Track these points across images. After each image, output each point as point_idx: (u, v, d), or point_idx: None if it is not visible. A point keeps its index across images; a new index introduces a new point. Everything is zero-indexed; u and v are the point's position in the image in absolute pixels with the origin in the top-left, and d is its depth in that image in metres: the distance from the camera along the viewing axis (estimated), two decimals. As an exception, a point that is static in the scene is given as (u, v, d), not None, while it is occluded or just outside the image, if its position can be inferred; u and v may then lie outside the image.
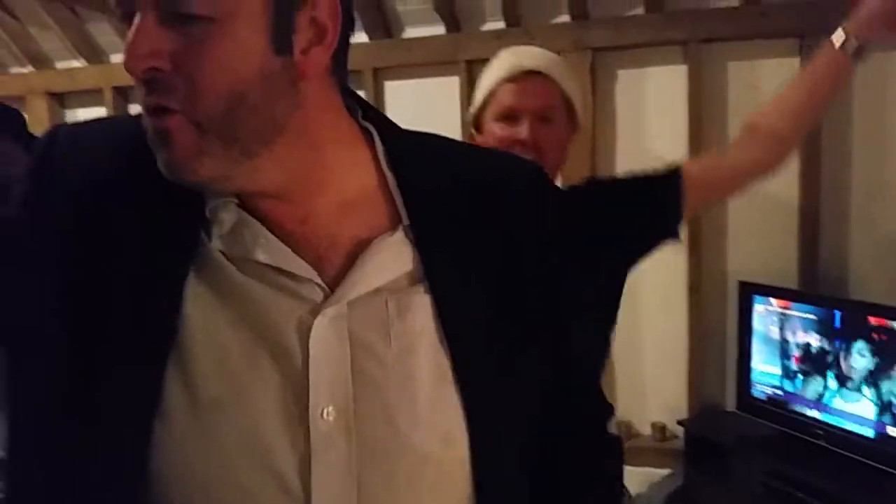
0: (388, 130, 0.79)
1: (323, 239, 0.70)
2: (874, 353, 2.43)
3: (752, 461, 2.77)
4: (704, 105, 3.02)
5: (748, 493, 2.73)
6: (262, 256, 0.67)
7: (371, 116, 0.80)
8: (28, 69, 4.03)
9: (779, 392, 2.78)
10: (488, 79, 1.41)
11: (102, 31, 3.72)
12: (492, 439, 0.68)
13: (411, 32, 3.39)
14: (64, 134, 0.72)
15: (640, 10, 3.05)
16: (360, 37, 3.42)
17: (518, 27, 3.21)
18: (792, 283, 2.96)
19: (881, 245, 2.91)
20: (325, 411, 0.65)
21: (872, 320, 2.44)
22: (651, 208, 1.43)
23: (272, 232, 0.69)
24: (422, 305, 0.70)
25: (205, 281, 0.66)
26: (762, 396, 2.84)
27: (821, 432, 2.60)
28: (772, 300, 2.80)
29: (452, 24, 3.27)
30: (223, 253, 0.68)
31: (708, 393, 3.18)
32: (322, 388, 0.65)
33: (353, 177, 0.73)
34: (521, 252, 0.74)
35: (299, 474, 0.63)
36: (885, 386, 2.40)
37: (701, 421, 3.12)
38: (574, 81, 1.43)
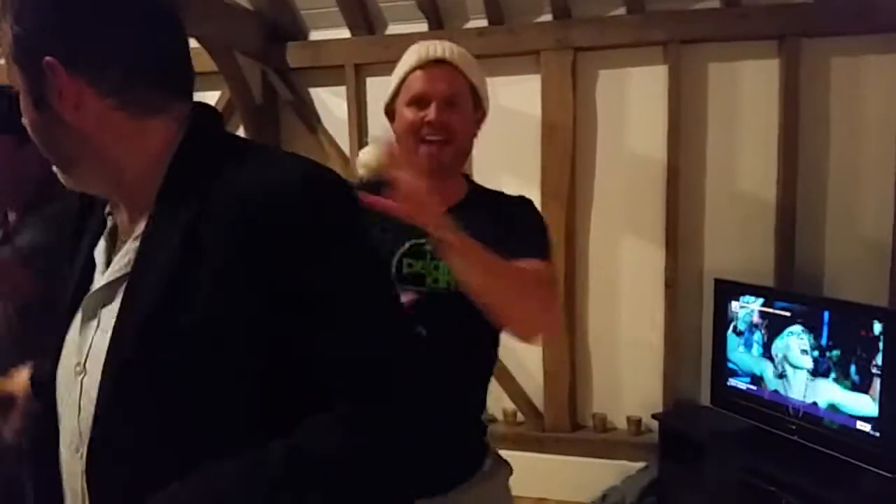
0: (192, 142, 0.91)
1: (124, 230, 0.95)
2: (847, 350, 2.50)
3: (726, 455, 2.83)
4: (684, 105, 3.07)
5: (722, 486, 2.80)
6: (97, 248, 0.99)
7: (193, 128, 0.92)
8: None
9: (752, 387, 2.84)
10: (400, 69, 1.48)
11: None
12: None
13: (394, 29, 3.39)
14: None
15: (621, 11, 3.08)
16: (341, 32, 3.42)
17: (501, 25, 3.22)
18: (768, 281, 3.03)
19: (856, 244, 2.98)
20: None
21: (851, 320, 2.51)
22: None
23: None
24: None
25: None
26: (736, 391, 2.91)
27: (794, 427, 2.67)
28: (747, 298, 2.86)
29: (435, 21, 3.29)
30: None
31: (683, 388, 3.24)
32: None
33: (144, 183, 0.90)
34: (226, 267, 0.83)
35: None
36: (859, 383, 2.47)
37: (676, 415, 3.19)
38: (478, 71, 1.49)
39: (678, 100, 3.06)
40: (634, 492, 3.14)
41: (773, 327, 2.75)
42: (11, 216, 1.82)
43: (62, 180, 0.94)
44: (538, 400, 3.43)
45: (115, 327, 0.86)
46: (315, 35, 3.49)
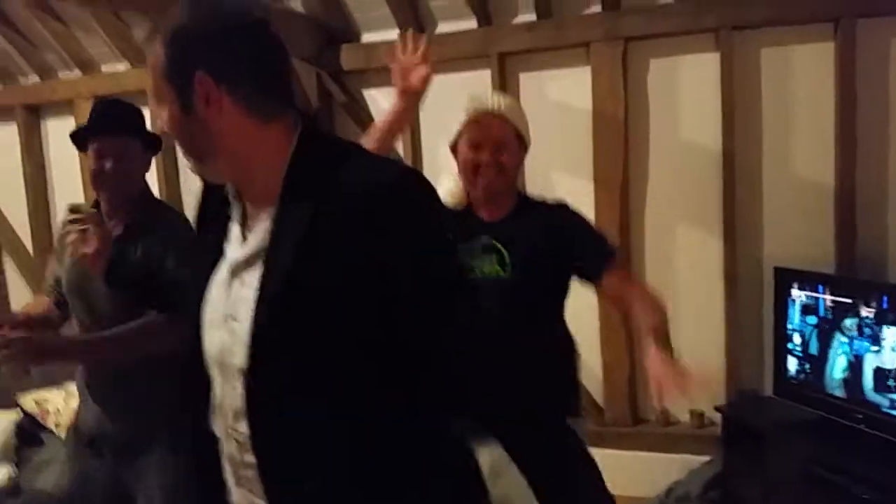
0: (305, 145, 1.16)
1: (253, 213, 1.20)
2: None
3: (791, 446, 2.78)
4: (737, 92, 3.02)
5: (788, 477, 2.74)
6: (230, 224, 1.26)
7: (306, 133, 1.17)
8: (76, 73, 4.18)
9: (817, 377, 2.78)
10: (463, 117, 1.93)
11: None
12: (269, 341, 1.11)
13: (443, 28, 3.44)
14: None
15: (671, -1, 3.06)
16: (393, 33, 3.47)
17: (549, 19, 3.23)
18: (828, 268, 2.96)
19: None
20: None
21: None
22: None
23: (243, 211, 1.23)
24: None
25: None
26: (799, 381, 2.85)
27: (860, 416, 2.60)
28: (808, 285, 2.80)
29: (484, 17, 3.32)
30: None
31: (746, 379, 3.18)
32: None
33: (268, 176, 1.15)
34: (350, 244, 1.07)
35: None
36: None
37: (739, 406, 3.13)
38: (522, 116, 1.94)
39: (731, 87, 3.02)
40: (699, 485, 3.09)
41: (836, 315, 2.68)
42: (116, 228, 2.04)
43: (194, 170, 1.21)
44: (597, 394, 3.42)
45: (261, 283, 1.12)
46: (367, 37, 3.56)
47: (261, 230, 1.15)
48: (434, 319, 1.11)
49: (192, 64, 1.09)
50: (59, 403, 3.47)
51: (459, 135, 1.93)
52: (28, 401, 3.47)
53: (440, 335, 1.12)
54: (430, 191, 1.13)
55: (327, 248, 1.07)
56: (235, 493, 1.22)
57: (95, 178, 2.04)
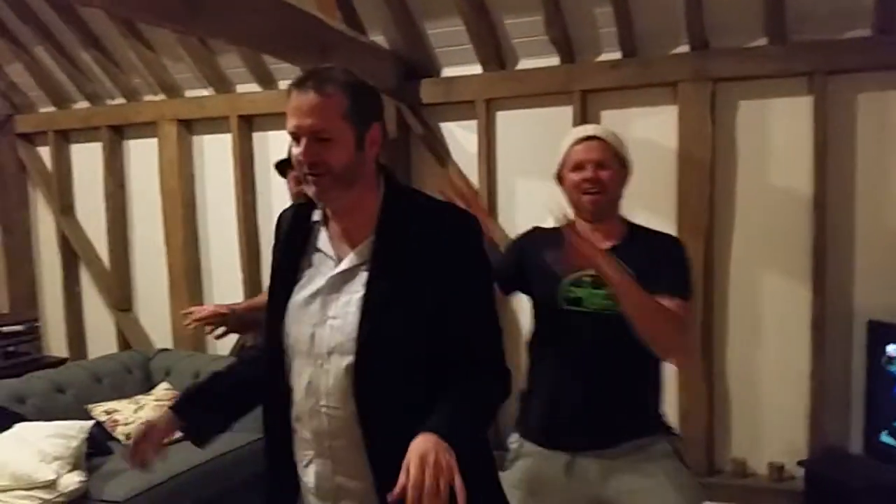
0: (392, 187, 1.52)
1: (346, 239, 1.51)
2: None
3: (880, 508, 2.65)
4: (831, 137, 2.93)
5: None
6: (320, 244, 1.54)
7: (389, 177, 1.53)
8: (160, 97, 4.28)
9: (911, 438, 2.65)
10: (564, 145, 2.01)
11: (231, 62, 3.91)
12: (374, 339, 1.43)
13: (525, 64, 3.42)
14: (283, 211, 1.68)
15: (762, 41, 2.98)
16: (473, 69, 3.48)
17: (634, 57, 3.19)
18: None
19: None
20: None
21: None
22: None
23: (329, 236, 1.53)
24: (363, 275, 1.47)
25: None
26: (893, 441, 2.71)
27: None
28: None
29: (567, 54, 3.29)
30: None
31: (831, 434, 3.05)
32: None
33: (369, 208, 1.49)
34: (428, 266, 1.44)
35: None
36: None
37: (825, 463, 3.00)
38: (621, 141, 2.00)
39: (825, 132, 2.92)
40: (775, 541, 2.98)
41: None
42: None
43: (334, 199, 1.47)
44: (671, 440, 3.32)
45: (366, 293, 1.43)
46: (447, 72, 3.56)
47: (358, 252, 1.47)
48: (483, 317, 1.49)
49: (371, 114, 1.44)
50: (129, 414, 3.53)
51: (563, 162, 2.00)
52: (99, 411, 3.54)
53: (487, 330, 1.50)
54: (481, 228, 1.53)
55: (415, 264, 1.43)
56: (316, 464, 1.50)
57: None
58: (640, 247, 1.93)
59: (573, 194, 1.97)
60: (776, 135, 3.06)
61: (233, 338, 4.12)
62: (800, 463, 3.00)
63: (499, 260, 2.07)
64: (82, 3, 2.95)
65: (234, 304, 2.65)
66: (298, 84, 1.44)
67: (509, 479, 1.90)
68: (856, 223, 2.97)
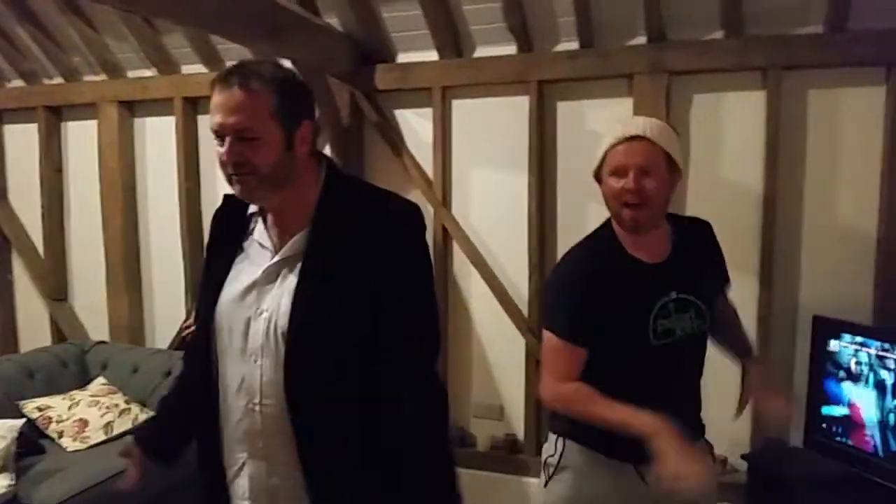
0: (333, 178, 1.49)
1: (283, 230, 1.48)
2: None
3: (821, 501, 2.68)
4: (782, 133, 2.96)
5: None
6: (256, 236, 1.52)
7: (330, 169, 1.50)
8: (101, 77, 4.11)
9: (848, 430, 2.69)
10: (603, 145, 1.76)
11: (176, 41, 3.78)
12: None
13: (482, 52, 3.38)
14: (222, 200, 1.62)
15: (718, 34, 3.00)
16: (430, 55, 3.43)
17: (591, 48, 3.18)
18: (865, 319, 2.88)
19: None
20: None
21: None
22: None
23: (266, 227, 1.51)
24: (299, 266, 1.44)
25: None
26: (832, 434, 2.75)
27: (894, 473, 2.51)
28: (848, 336, 2.71)
29: (524, 43, 3.26)
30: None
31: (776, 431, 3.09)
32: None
33: (306, 200, 1.45)
34: (363, 259, 1.40)
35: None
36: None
37: (766, 456, 3.03)
38: (673, 139, 1.74)
39: (777, 127, 2.96)
40: (719, 534, 2.99)
41: (875, 368, 2.60)
42: None
43: (261, 199, 1.45)
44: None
45: (300, 279, 1.40)
46: (403, 57, 3.50)
47: (294, 243, 1.43)
48: (419, 314, 1.45)
49: (302, 112, 1.41)
50: (63, 411, 3.37)
51: (602, 162, 1.77)
52: (30, 407, 3.38)
53: (423, 330, 1.46)
54: (424, 221, 1.49)
55: (351, 256, 1.39)
56: (250, 466, 1.45)
57: None
58: (692, 249, 1.83)
59: (613, 203, 1.74)
60: (729, 129, 3.08)
61: (172, 330, 4.01)
62: (743, 456, 3.03)
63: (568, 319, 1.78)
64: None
65: None
66: (222, 79, 1.36)
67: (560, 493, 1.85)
68: (804, 219, 3.02)
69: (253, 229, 1.51)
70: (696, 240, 1.87)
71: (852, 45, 2.82)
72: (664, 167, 1.70)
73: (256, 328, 1.42)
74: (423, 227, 1.49)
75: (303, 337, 1.37)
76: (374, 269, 1.38)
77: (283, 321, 1.38)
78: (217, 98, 1.35)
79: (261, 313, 1.42)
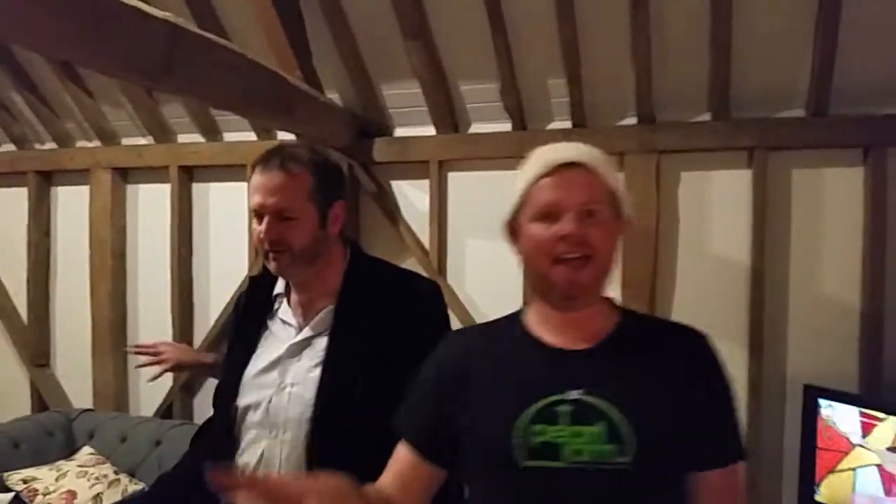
0: (357, 256, 1.58)
1: (308, 307, 1.57)
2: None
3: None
4: (768, 210, 3.10)
5: None
6: (280, 314, 1.61)
7: (354, 249, 1.61)
8: (94, 143, 4.14)
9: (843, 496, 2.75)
10: (522, 179, 1.27)
11: (175, 112, 3.83)
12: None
13: (477, 128, 3.49)
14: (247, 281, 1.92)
15: (706, 117, 3.15)
16: (426, 130, 3.53)
17: (584, 128, 3.31)
18: (852, 387, 2.98)
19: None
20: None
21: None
22: None
23: (290, 305, 1.61)
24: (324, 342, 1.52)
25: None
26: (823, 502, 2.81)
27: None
28: (838, 403, 2.80)
29: (519, 122, 3.38)
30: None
31: (765, 497, 3.15)
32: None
33: (332, 279, 1.54)
34: (389, 335, 1.46)
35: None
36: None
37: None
38: (615, 173, 1.26)
39: (763, 204, 3.09)
40: None
41: (865, 434, 2.68)
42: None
43: (293, 275, 1.51)
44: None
45: (325, 359, 1.44)
46: (400, 132, 3.60)
47: (320, 319, 1.49)
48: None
49: (335, 193, 1.51)
50: (50, 482, 3.30)
51: (519, 207, 1.25)
52: (15, 479, 3.30)
53: None
54: (444, 299, 1.63)
55: (377, 331, 1.45)
56: None
57: None
58: (642, 348, 1.22)
59: (537, 261, 1.20)
60: (716, 205, 3.21)
61: (158, 397, 3.96)
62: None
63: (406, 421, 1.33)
64: (57, 57, 2.86)
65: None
66: (264, 161, 1.44)
67: None
68: (790, 291, 3.13)
69: (277, 309, 1.58)
70: (663, 345, 1.25)
71: (833, 129, 2.98)
72: (610, 208, 1.21)
73: (279, 402, 1.45)
74: (445, 304, 1.57)
75: (328, 408, 1.42)
76: (398, 345, 1.43)
77: (310, 394, 1.42)
78: (258, 179, 1.43)
79: (284, 387, 1.46)
